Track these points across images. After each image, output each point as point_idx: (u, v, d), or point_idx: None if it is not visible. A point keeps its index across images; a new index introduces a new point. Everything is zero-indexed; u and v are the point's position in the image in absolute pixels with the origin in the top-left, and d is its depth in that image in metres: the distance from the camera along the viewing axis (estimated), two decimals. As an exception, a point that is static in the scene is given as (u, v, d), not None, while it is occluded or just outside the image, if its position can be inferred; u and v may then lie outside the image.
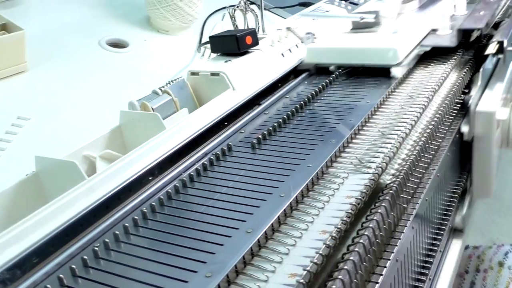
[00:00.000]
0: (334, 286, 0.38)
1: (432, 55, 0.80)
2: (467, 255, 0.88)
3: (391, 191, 0.49)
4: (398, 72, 0.71)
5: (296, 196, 0.47)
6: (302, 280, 0.37)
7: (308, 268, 0.38)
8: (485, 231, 1.66)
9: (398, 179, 0.51)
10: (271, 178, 0.51)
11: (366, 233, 0.43)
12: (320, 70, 0.76)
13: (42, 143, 0.67)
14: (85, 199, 0.47)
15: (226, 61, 0.73)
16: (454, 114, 0.71)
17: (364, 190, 0.48)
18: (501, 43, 0.74)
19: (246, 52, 0.74)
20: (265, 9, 1.17)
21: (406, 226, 0.50)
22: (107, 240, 0.43)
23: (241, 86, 0.68)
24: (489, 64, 0.78)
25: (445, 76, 0.73)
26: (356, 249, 0.41)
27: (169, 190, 0.50)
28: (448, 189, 0.69)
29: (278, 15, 1.17)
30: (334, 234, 0.42)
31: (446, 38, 0.79)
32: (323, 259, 0.40)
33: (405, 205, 0.51)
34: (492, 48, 0.74)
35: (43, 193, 0.54)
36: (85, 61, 0.85)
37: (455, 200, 0.70)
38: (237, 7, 0.80)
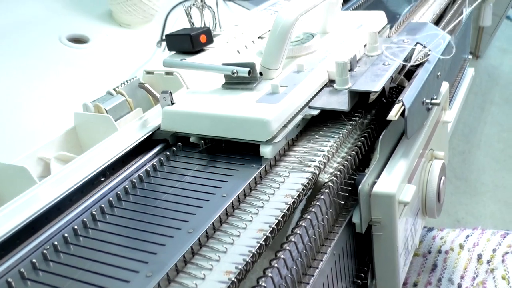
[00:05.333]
0: (264, 284, 0.41)
1: (326, 116, 0.63)
2: (431, 236, 0.92)
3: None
4: (268, 152, 0.54)
5: (238, 196, 0.50)
6: (234, 279, 0.41)
7: (240, 267, 0.42)
8: (451, 212, 1.72)
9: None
10: (214, 178, 0.54)
11: (298, 231, 0.47)
12: (181, 141, 0.60)
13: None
14: (35, 203, 0.49)
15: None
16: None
17: (302, 189, 0.51)
18: (404, 108, 0.56)
19: (201, 50, 0.76)
20: (229, 0, 1.19)
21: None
22: (56, 243, 0.46)
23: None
24: (391, 130, 0.62)
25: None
26: (288, 247, 0.45)
27: (119, 192, 0.53)
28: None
29: (243, 6, 1.18)
30: (268, 234, 0.45)
31: (341, 97, 0.61)
32: (256, 257, 0.43)
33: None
34: (395, 112, 0.56)
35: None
36: (44, 58, 0.86)
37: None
38: (193, 4, 0.82)
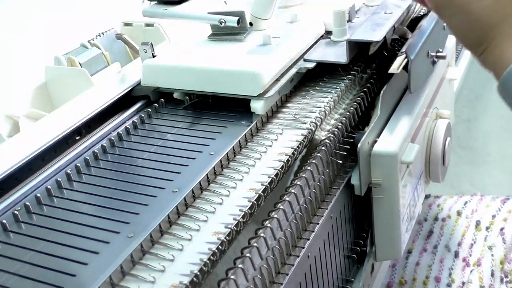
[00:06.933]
0: (255, 244, 0.41)
1: (323, 70, 0.62)
2: (427, 204, 0.93)
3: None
4: (260, 107, 0.54)
5: (227, 154, 0.50)
6: (223, 238, 0.41)
7: (230, 226, 0.42)
8: (455, 184, 1.74)
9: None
10: (201, 136, 0.53)
11: (293, 190, 0.47)
12: (164, 97, 0.60)
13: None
14: (3, 163, 0.49)
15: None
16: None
17: (297, 146, 0.51)
18: (408, 60, 0.56)
19: (184, 0, 0.75)
20: None
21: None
22: (28, 203, 0.46)
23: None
24: (393, 85, 0.61)
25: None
26: (282, 207, 0.45)
27: (96, 150, 0.52)
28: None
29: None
30: (260, 193, 0.45)
31: (339, 49, 0.61)
32: (247, 217, 0.43)
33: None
34: (397, 65, 0.56)
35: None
36: (9, 5, 0.84)
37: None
38: (176, -51, 0.80)
